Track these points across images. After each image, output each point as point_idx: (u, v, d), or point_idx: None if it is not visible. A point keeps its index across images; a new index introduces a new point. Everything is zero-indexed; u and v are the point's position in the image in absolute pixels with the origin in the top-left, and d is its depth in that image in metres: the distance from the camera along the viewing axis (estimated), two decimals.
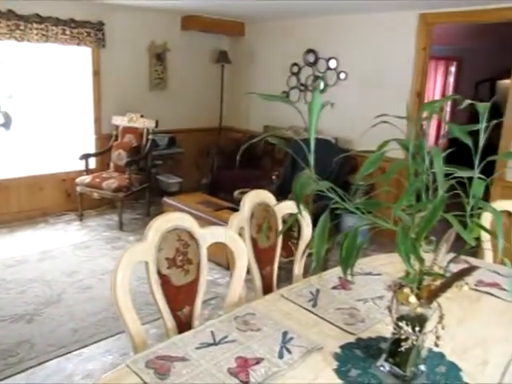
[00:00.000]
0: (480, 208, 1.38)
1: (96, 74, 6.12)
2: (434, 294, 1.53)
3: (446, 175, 1.52)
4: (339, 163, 5.23)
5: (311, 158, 1.20)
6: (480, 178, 1.37)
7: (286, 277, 2.94)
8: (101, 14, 5.88)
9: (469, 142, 1.37)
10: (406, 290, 1.53)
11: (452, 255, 1.62)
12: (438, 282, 1.55)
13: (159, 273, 1.98)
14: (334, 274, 2.37)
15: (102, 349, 3.38)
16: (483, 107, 1.35)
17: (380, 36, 5.50)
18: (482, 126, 1.34)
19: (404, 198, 1.28)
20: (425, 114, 1.38)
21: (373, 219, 1.35)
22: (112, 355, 3.30)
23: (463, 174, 1.37)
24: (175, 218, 2.02)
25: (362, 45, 5.66)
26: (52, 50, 5.77)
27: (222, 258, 3.99)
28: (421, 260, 1.48)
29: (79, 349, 3.33)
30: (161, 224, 1.97)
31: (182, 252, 2.02)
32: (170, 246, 1.99)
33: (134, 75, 6.50)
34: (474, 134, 1.41)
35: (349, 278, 1.32)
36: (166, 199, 5.34)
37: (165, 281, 1.99)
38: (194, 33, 6.85)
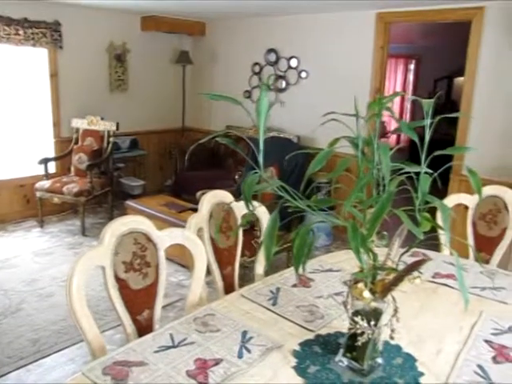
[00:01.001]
0: (428, 202, 1.41)
1: (53, 75, 5.98)
2: (387, 288, 1.56)
3: (396, 171, 1.55)
4: (301, 161, 5.28)
5: (260, 158, 1.20)
6: (427, 173, 1.40)
7: (251, 276, 2.94)
8: (57, 14, 5.75)
9: (415, 138, 1.40)
10: (360, 286, 1.55)
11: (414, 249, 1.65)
12: (391, 276, 1.58)
13: (116, 277, 1.94)
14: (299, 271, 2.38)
15: (65, 357, 3.30)
16: (427, 104, 1.38)
17: (340, 35, 5.57)
18: (427, 122, 1.37)
19: (353, 195, 1.29)
20: (373, 112, 1.39)
21: (325, 217, 1.36)
22: (75, 363, 3.23)
23: (410, 169, 1.40)
24: (131, 222, 2.00)
25: (323, 44, 5.72)
26: (6, 52, 5.59)
27: (187, 260, 3.96)
28: (373, 255, 1.51)
29: (40, 359, 3.24)
30: (116, 228, 1.94)
31: (140, 255, 2.00)
32: (126, 250, 1.96)
33: (94, 77, 6.38)
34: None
35: (300, 273, 1.33)
36: (128, 202, 5.27)
37: (122, 285, 1.96)
38: (155, 33, 6.77)
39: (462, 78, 5.34)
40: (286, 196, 1.26)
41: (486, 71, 4.58)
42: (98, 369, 1.58)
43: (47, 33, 5.66)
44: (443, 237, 2.83)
